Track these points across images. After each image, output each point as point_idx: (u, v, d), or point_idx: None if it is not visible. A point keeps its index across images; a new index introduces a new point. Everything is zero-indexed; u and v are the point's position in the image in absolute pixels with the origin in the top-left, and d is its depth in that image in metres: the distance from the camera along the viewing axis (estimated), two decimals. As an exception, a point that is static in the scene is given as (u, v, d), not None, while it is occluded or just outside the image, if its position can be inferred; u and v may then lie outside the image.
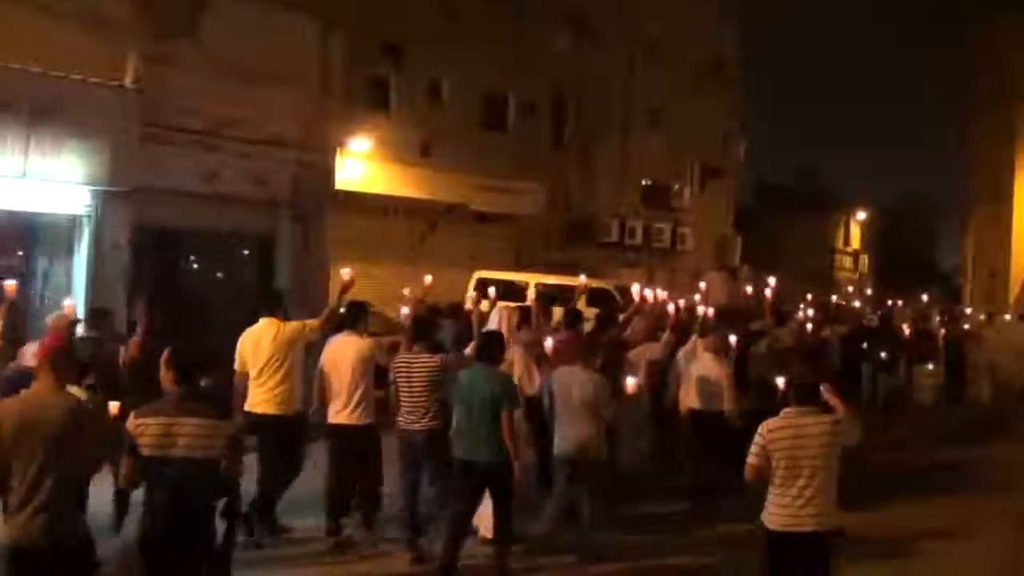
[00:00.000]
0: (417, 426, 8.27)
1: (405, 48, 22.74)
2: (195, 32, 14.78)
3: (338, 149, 18.83)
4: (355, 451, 8.50)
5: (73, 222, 13.50)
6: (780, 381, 6.58)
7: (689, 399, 10.38)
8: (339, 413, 8.52)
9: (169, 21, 14.38)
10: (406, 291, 10.91)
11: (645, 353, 10.60)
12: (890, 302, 21.83)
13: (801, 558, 6.08)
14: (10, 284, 8.22)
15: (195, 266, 16.52)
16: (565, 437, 8.42)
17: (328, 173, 17.43)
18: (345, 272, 8.81)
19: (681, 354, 10.66)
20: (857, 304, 22.48)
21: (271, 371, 8.44)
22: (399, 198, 22.75)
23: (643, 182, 30.84)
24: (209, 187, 14.81)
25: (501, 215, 25.08)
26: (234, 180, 15.18)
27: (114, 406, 6.06)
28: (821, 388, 6.28)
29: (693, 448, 10.31)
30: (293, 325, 8.61)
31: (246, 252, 16.72)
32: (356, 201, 21.32)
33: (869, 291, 31.20)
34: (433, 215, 23.91)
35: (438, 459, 8.21)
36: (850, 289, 18.93)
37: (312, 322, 8.68)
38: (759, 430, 6.18)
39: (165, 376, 5.42)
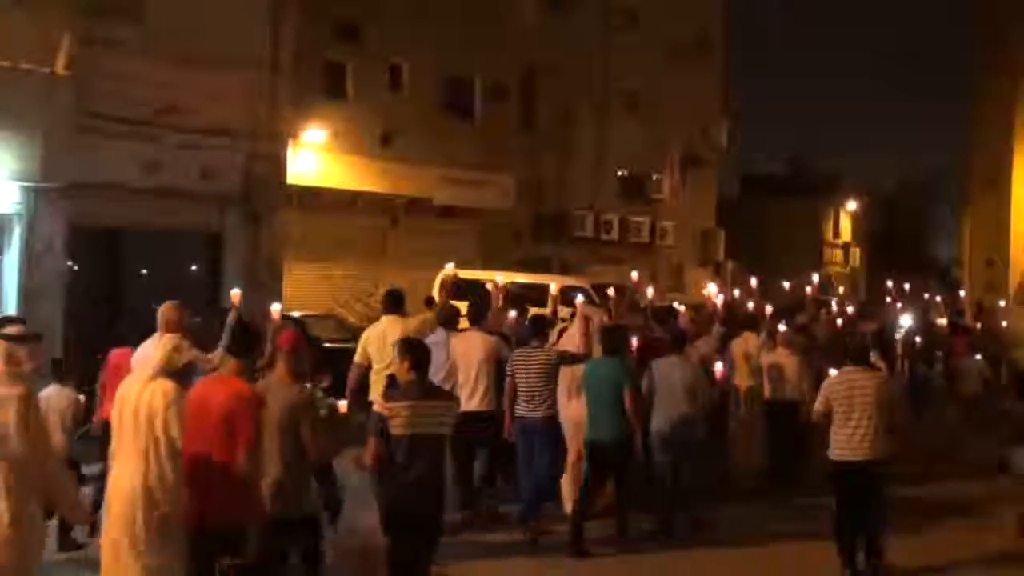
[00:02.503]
0: (537, 413, 9.64)
1: (362, 29, 22.68)
2: (135, 12, 14.66)
3: (291, 140, 18.74)
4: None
5: (1, 222, 13.34)
6: (832, 372, 8.96)
7: (763, 391, 12.14)
8: (468, 401, 9.67)
9: None
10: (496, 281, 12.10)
11: (699, 346, 11.97)
12: (890, 298, 22.21)
13: (858, 481, 8.51)
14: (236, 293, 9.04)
15: (137, 268, 16.37)
16: (667, 419, 9.96)
17: (280, 166, 17.35)
18: (449, 267, 10.87)
19: (749, 347, 12.31)
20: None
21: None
22: (357, 192, 22.69)
23: (619, 172, 30.91)
24: (151, 181, 14.69)
25: (467, 209, 25.07)
26: (178, 173, 15.07)
27: (343, 405, 7.48)
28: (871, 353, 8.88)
29: (768, 438, 12.13)
30: (414, 323, 9.72)
31: (192, 252, 16.59)
32: (311, 196, 21.24)
33: (841, 289, 31.35)
34: (394, 210, 23.85)
35: (553, 442, 9.69)
36: (810, 288, 18.83)
37: (430, 316, 10.03)
38: (823, 384, 8.85)
39: (400, 367, 6.78)
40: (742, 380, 12.19)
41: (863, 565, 8.61)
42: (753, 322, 13.08)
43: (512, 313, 11.83)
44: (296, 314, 15.52)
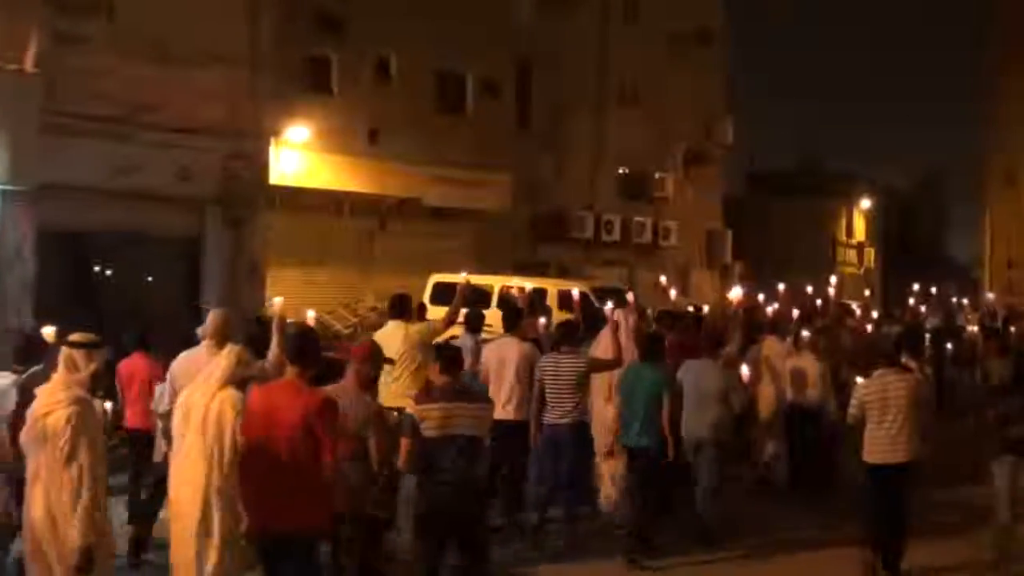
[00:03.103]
0: (564, 420, 9.92)
1: (347, 21, 22.67)
2: (106, 5, 14.66)
3: (272, 138, 18.73)
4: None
5: (-33, 227, 13.34)
6: (859, 380, 9.52)
7: (786, 394, 12.60)
8: (502, 409, 9.90)
9: (76, -7, 14.27)
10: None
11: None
12: (913, 300, 22.52)
13: (891, 482, 9.09)
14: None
15: (110, 275, 16.35)
16: (699, 421, 10.39)
17: (261, 166, 17.35)
18: (463, 275, 11.31)
19: (771, 351, 12.84)
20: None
21: (405, 369, 9.76)
22: (343, 193, 22.68)
23: (620, 170, 30.93)
24: (125, 183, 14.69)
25: (460, 210, 25.05)
26: (154, 175, 15.07)
27: (392, 415, 7.79)
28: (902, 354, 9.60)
29: (790, 442, 12.59)
30: (420, 326, 10.22)
31: (169, 257, 16.57)
32: (294, 197, 21.23)
33: (867, 292, 31.37)
34: (383, 212, 23.85)
35: (580, 450, 10.08)
36: (832, 289, 19.59)
37: (436, 323, 10.35)
38: (856, 386, 9.40)
39: (433, 369, 7.37)
40: (764, 384, 12.68)
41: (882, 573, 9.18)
42: (776, 326, 13.65)
43: (543, 320, 12.26)
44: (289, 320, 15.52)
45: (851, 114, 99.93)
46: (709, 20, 33.69)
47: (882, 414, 9.05)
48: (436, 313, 11.65)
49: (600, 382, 10.46)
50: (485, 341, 11.68)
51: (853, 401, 9.33)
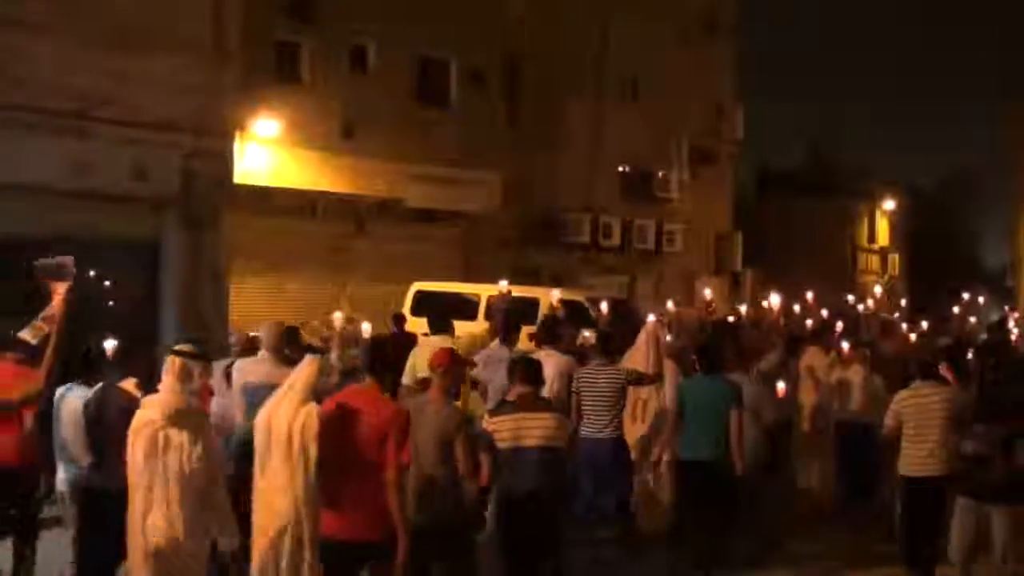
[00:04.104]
0: (602, 434, 10.47)
1: (320, 5, 22.72)
2: (55, -12, 14.67)
3: (238, 133, 18.74)
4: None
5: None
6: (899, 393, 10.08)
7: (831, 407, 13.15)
8: None
9: (21, -26, 14.29)
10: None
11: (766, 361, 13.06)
12: (959, 310, 23.11)
13: (929, 496, 9.66)
14: None
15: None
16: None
17: (226, 163, 17.35)
18: (503, 284, 12.09)
19: (814, 362, 13.42)
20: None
21: None
22: (316, 193, 22.70)
23: (620, 169, 31.01)
24: (77, 183, 14.69)
25: (445, 212, 25.10)
26: (108, 173, 15.07)
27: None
28: (940, 367, 10.13)
29: (838, 457, 13.17)
30: (465, 339, 10.89)
31: (124, 263, 16.54)
32: (262, 198, 21.23)
33: (903, 301, 31.58)
34: (360, 214, 23.87)
35: (621, 464, 10.62)
36: (872, 300, 20.83)
37: (480, 333, 11.17)
38: (893, 399, 10.07)
39: (510, 383, 8.47)
40: (807, 396, 13.20)
41: None
42: (818, 336, 14.38)
43: (586, 332, 12.97)
44: (254, 333, 15.55)
45: (872, 111, 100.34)
46: (718, 5, 33.84)
47: (918, 428, 9.68)
48: (418, 325, 11.89)
49: (627, 400, 10.90)
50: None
51: (889, 412, 10.00)
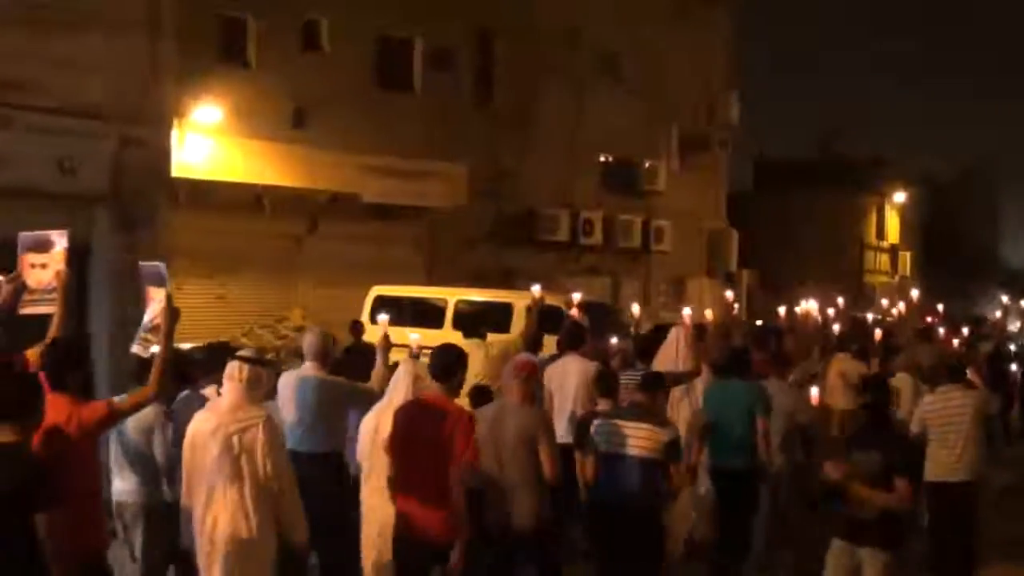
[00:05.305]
0: None
1: (267, -22, 22.78)
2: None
3: (176, 121, 18.74)
4: None
5: None
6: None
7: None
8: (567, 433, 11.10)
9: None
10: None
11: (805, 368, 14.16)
12: (1001, 313, 24.20)
13: (954, 501, 10.51)
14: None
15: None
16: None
17: (162, 155, 17.33)
18: (535, 289, 12.86)
19: (845, 368, 14.51)
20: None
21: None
22: (263, 187, 22.71)
23: (602, 158, 31.10)
24: (-6, 177, 14.66)
25: (407, 208, 25.15)
26: (30, 167, 15.03)
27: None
28: (967, 371, 11.27)
29: None
30: (500, 345, 12.24)
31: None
32: (203, 193, 21.24)
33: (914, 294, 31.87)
34: (312, 210, 23.90)
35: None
36: (885, 303, 21.98)
37: (514, 338, 12.53)
38: (920, 403, 11.17)
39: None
40: (836, 402, 14.43)
41: None
42: (846, 342, 15.44)
43: (614, 339, 13.42)
44: (186, 346, 15.59)
45: (880, 93, 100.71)
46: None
47: (944, 432, 10.60)
48: (375, 333, 12.02)
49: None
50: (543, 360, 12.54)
51: (915, 417, 10.96)
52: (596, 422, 9.07)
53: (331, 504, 8.94)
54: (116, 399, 7.18)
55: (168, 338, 7.32)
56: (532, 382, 9.08)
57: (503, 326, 17.38)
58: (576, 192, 29.86)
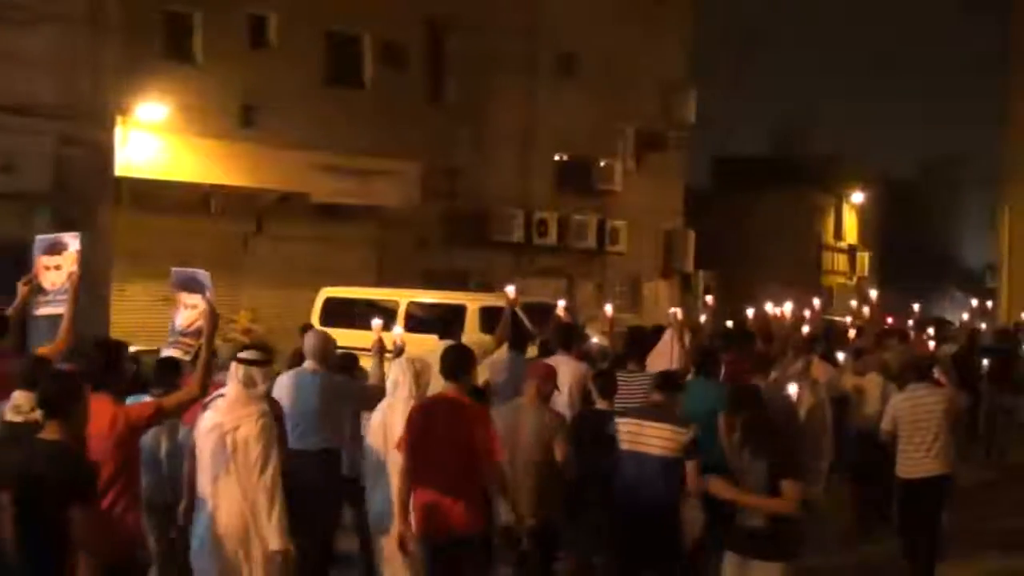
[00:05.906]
0: None
1: (214, -29, 22.69)
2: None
3: (119, 118, 18.63)
4: None
5: None
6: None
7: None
8: None
9: None
10: None
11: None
12: (968, 316, 24.38)
13: (924, 497, 10.97)
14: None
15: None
16: None
17: (105, 153, 17.27)
18: (510, 289, 12.69)
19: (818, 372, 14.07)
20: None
21: None
22: (209, 186, 22.62)
23: (556, 157, 31.10)
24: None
25: (356, 208, 25.09)
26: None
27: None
28: (934, 370, 11.66)
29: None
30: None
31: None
32: (147, 193, 21.13)
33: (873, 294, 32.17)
34: (259, 210, 23.81)
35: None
36: (854, 304, 22.29)
37: (487, 342, 12.21)
38: (889, 402, 11.64)
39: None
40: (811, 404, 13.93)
41: None
42: (815, 344, 15.18)
43: (594, 339, 13.77)
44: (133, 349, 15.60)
45: (841, 89, 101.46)
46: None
47: (912, 430, 10.99)
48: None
49: None
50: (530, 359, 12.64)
51: (885, 415, 11.37)
52: (619, 420, 9.23)
53: (324, 501, 9.32)
54: (164, 399, 7.80)
55: (210, 342, 7.85)
56: (550, 385, 9.48)
57: (455, 329, 17.34)
58: (531, 192, 29.85)
